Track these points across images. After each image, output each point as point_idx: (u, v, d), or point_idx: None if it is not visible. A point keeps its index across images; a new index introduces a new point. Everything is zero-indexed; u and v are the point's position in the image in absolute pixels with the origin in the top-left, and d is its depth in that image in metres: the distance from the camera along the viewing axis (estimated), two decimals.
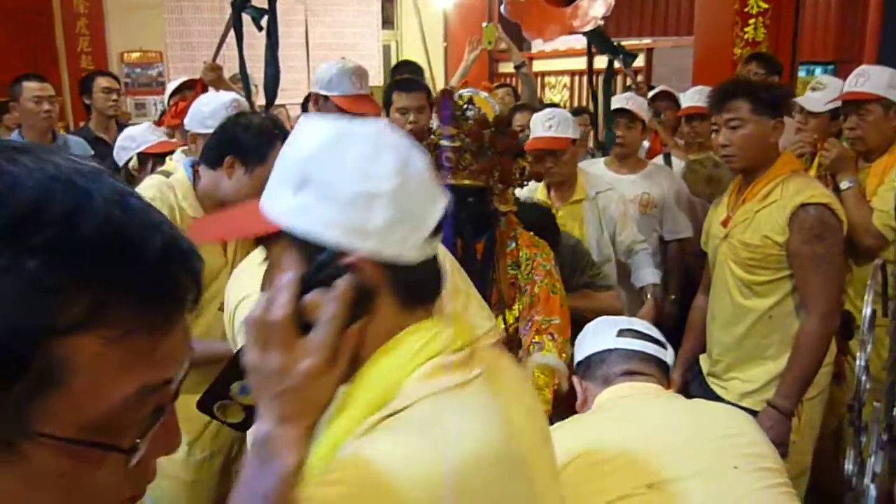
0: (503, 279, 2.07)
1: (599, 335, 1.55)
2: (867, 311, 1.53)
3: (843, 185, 2.54)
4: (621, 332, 1.51)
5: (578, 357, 1.57)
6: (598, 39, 2.94)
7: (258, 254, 1.70)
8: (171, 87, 3.64)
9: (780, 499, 1.28)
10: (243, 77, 2.71)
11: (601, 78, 3.08)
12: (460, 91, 2.07)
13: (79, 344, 0.47)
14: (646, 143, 4.05)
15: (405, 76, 3.88)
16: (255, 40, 2.98)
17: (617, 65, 3.08)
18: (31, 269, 0.45)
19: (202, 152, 2.02)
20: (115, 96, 4.16)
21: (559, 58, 7.01)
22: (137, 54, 7.46)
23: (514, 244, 2.10)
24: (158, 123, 4.00)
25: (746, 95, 2.14)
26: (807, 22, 8.01)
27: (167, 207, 1.97)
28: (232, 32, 2.85)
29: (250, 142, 1.94)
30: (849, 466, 1.61)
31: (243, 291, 1.59)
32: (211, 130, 2.21)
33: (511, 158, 1.99)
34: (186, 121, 2.42)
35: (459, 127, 1.98)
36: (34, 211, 0.46)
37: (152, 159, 2.85)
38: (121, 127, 4.28)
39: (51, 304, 0.46)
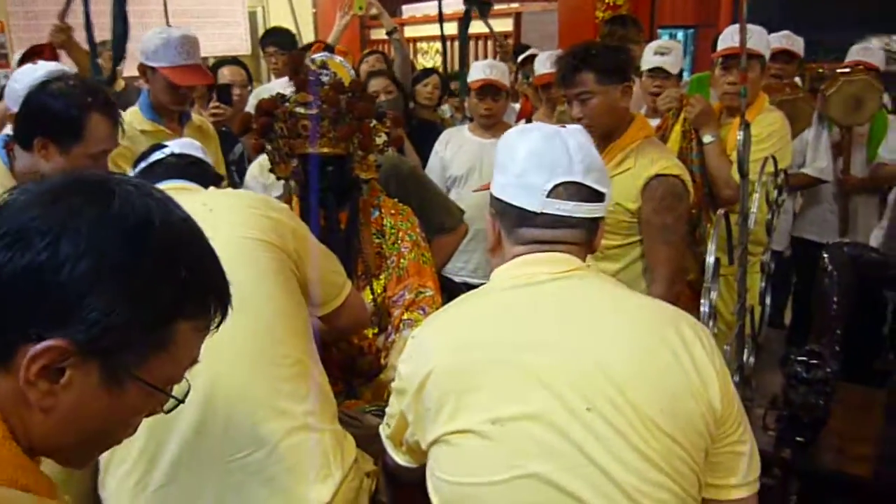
0: (368, 249, 2.03)
1: (525, 182, 1.22)
2: (710, 259, 1.59)
3: (706, 139, 2.63)
4: (556, 189, 1.21)
5: (495, 190, 1.28)
6: None
7: None
8: (17, 57, 3.35)
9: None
10: (89, 39, 2.48)
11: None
12: (312, 56, 1.99)
13: (183, 327, 0.76)
14: (516, 106, 4.10)
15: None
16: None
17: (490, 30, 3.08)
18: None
19: (14, 131, 1.85)
20: None
21: (431, 23, 6.96)
22: None
23: (377, 212, 2.06)
24: None
25: (590, 67, 2.15)
26: None
27: None
28: None
29: (61, 118, 1.76)
30: None
31: None
32: None
33: (370, 124, 1.95)
34: (4, 98, 2.20)
35: (315, 93, 1.91)
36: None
37: None
38: None
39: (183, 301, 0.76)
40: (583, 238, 1.26)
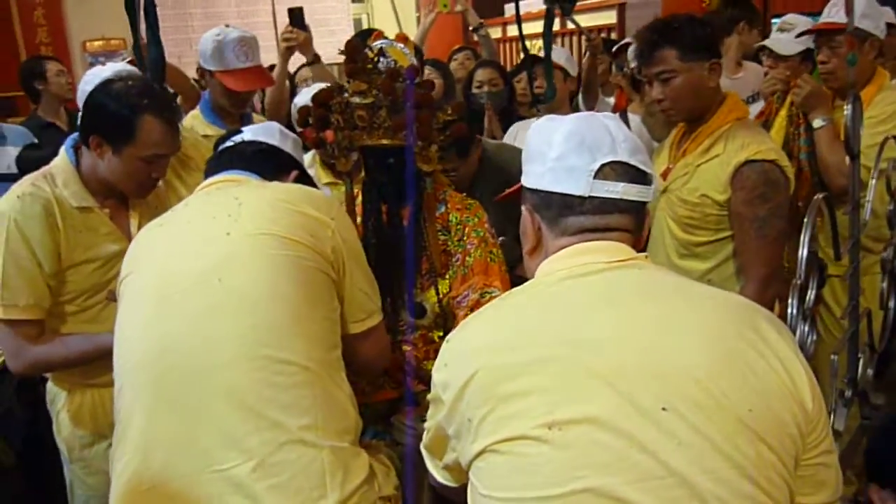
0: (433, 246, 1.91)
1: (567, 164, 1.10)
2: (803, 252, 1.36)
3: (816, 123, 2.40)
4: (603, 170, 1.10)
5: (529, 182, 1.16)
6: None
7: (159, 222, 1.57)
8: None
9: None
10: (137, 56, 2.49)
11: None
12: (372, 43, 1.89)
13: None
14: (610, 100, 3.88)
15: None
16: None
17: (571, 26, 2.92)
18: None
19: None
20: (67, 79, 4.27)
21: (533, 20, 6.79)
22: (100, 42, 7.25)
23: (443, 207, 1.94)
24: None
25: (672, 43, 1.94)
26: None
27: (40, 204, 1.78)
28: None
29: (113, 116, 1.77)
30: None
31: (127, 268, 1.49)
32: None
33: (429, 113, 1.82)
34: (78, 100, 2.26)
35: (371, 82, 1.81)
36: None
37: None
38: (70, 114, 4.14)
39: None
40: (633, 224, 1.12)
